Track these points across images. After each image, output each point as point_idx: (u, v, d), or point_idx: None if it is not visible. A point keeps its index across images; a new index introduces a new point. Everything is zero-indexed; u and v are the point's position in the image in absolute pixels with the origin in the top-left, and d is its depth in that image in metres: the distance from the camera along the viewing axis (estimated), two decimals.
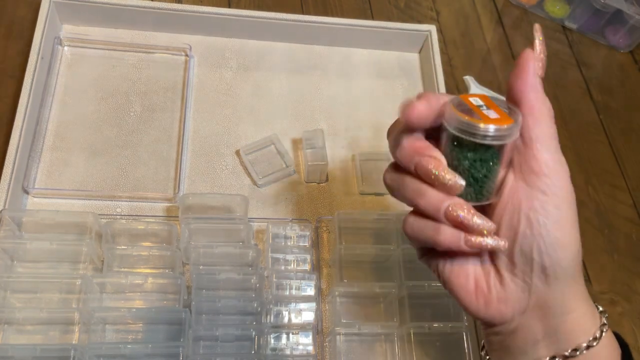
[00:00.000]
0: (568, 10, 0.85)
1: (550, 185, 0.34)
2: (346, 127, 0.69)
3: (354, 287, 0.56)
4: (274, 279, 0.54)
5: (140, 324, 0.53)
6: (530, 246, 0.34)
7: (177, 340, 0.51)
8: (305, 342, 0.53)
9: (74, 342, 0.51)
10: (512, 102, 0.35)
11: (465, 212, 0.34)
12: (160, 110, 0.66)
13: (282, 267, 0.57)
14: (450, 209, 0.34)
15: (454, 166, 0.35)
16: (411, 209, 0.37)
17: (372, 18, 0.80)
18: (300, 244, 0.59)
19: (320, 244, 0.61)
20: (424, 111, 0.35)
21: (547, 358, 0.36)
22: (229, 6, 0.77)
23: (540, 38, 0.37)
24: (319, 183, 0.65)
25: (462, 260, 0.37)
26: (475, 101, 0.35)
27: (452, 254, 0.37)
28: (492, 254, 0.37)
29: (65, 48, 0.67)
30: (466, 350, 0.55)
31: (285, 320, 0.53)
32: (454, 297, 0.38)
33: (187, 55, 0.69)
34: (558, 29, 0.86)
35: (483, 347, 0.41)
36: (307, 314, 0.54)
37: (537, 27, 0.37)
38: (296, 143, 0.67)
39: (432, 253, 0.39)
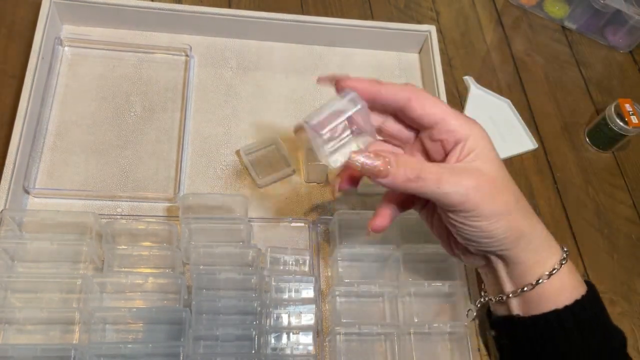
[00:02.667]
0: (568, 10, 0.85)
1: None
2: None
3: (354, 287, 0.56)
4: (273, 282, 0.54)
5: (141, 324, 0.53)
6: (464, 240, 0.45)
7: (178, 340, 0.51)
8: (305, 341, 0.53)
9: (74, 342, 0.51)
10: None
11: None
12: (160, 110, 0.66)
13: (282, 267, 0.57)
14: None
15: None
16: None
17: (372, 18, 0.80)
18: (300, 245, 0.59)
19: (320, 244, 0.61)
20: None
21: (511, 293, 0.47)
22: (229, 6, 0.77)
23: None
24: (318, 183, 0.65)
25: (438, 220, 0.48)
26: None
27: (432, 211, 0.49)
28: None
29: (66, 48, 0.68)
30: (466, 351, 0.56)
31: (285, 323, 0.53)
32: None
33: (187, 55, 0.69)
34: (558, 29, 0.87)
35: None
36: (306, 317, 0.54)
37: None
38: (296, 143, 0.67)
39: (425, 208, 0.50)
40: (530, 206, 0.46)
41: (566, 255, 0.46)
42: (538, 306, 0.46)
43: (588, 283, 0.48)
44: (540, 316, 0.46)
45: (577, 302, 0.45)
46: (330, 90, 0.71)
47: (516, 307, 0.48)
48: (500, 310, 0.50)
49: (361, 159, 0.41)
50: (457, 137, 0.43)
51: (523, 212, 0.45)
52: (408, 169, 0.41)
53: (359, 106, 0.40)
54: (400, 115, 0.44)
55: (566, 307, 0.45)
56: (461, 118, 0.43)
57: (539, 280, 0.45)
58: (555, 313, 0.45)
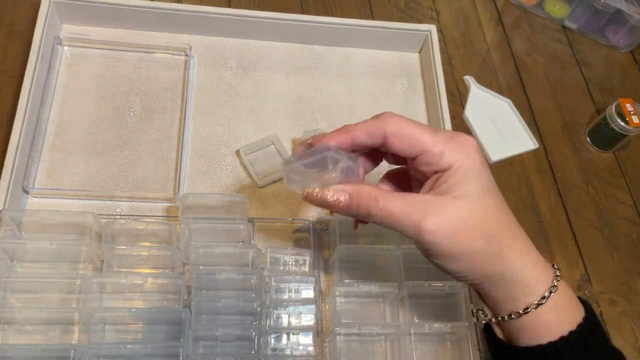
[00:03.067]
0: (568, 10, 0.85)
1: None
2: None
3: (354, 287, 0.56)
4: (273, 283, 0.54)
5: (140, 324, 0.53)
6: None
7: (177, 340, 0.51)
8: (305, 342, 0.53)
9: (73, 342, 0.51)
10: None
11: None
12: (160, 110, 0.66)
13: (282, 268, 0.57)
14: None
15: None
16: None
17: (372, 18, 0.80)
18: (300, 245, 0.59)
19: (320, 244, 0.60)
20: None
21: (492, 318, 0.44)
22: (229, 6, 0.77)
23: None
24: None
25: None
26: None
27: None
28: None
29: (65, 48, 0.67)
30: (467, 351, 0.55)
31: (285, 323, 0.53)
32: None
33: (187, 55, 0.69)
34: (558, 29, 0.86)
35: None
36: (306, 317, 0.54)
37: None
38: (296, 143, 0.67)
39: None
40: (512, 238, 0.42)
41: (549, 294, 0.41)
42: (518, 338, 0.43)
43: (586, 307, 0.43)
44: (521, 349, 0.42)
45: (563, 338, 0.41)
46: (331, 90, 0.71)
47: (498, 331, 0.45)
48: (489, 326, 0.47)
49: (311, 196, 0.43)
50: (436, 169, 0.41)
51: (495, 251, 0.41)
52: (361, 204, 0.41)
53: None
54: (382, 149, 0.44)
55: (550, 344, 0.41)
56: (443, 144, 0.41)
57: (511, 315, 0.42)
58: (541, 348, 0.41)
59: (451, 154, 0.40)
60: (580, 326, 0.41)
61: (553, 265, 0.44)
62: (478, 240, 0.40)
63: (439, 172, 0.41)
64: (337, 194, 0.42)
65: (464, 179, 0.40)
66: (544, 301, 0.41)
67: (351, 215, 0.43)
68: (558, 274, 0.43)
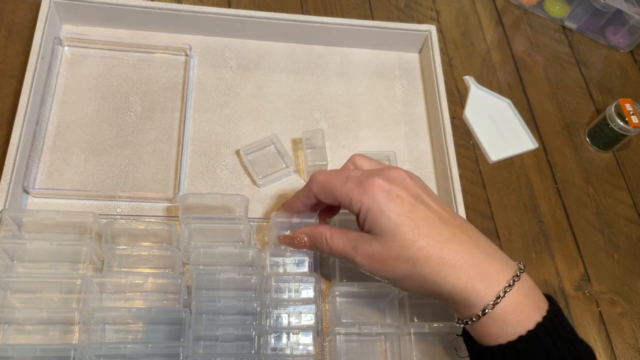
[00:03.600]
0: (568, 10, 0.85)
1: None
2: (346, 127, 0.69)
3: (354, 287, 0.56)
4: (273, 283, 0.54)
5: (140, 324, 0.53)
6: None
7: (177, 340, 0.51)
8: (305, 342, 0.53)
9: (73, 342, 0.51)
10: None
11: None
12: (160, 110, 0.66)
13: (282, 268, 0.57)
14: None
15: None
16: None
17: (372, 18, 0.80)
18: None
19: None
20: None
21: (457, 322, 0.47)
22: (229, 6, 0.77)
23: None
24: None
25: None
26: None
27: None
28: None
29: (65, 48, 0.67)
30: (466, 351, 0.55)
31: (285, 323, 0.53)
32: None
33: (187, 55, 0.69)
34: (558, 29, 0.86)
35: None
36: (306, 317, 0.54)
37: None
38: (296, 143, 0.67)
39: None
40: (439, 258, 0.43)
41: (492, 307, 0.43)
42: (479, 337, 0.45)
43: (550, 302, 0.44)
44: (484, 348, 0.45)
45: (521, 338, 0.42)
46: (331, 90, 0.72)
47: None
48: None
49: (282, 240, 0.54)
50: (353, 213, 0.47)
51: (425, 273, 0.44)
52: (317, 243, 0.50)
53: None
54: None
55: (510, 343, 0.42)
56: (350, 192, 0.46)
57: (465, 320, 0.45)
58: (500, 347, 0.43)
59: (357, 200, 0.46)
60: (539, 324, 0.42)
61: (520, 263, 0.45)
62: (403, 266, 0.45)
63: (356, 213, 0.47)
64: (301, 236, 0.52)
65: (374, 220, 0.45)
66: (480, 315, 0.43)
67: (315, 251, 0.53)
68: (508, 284, 0.43)
